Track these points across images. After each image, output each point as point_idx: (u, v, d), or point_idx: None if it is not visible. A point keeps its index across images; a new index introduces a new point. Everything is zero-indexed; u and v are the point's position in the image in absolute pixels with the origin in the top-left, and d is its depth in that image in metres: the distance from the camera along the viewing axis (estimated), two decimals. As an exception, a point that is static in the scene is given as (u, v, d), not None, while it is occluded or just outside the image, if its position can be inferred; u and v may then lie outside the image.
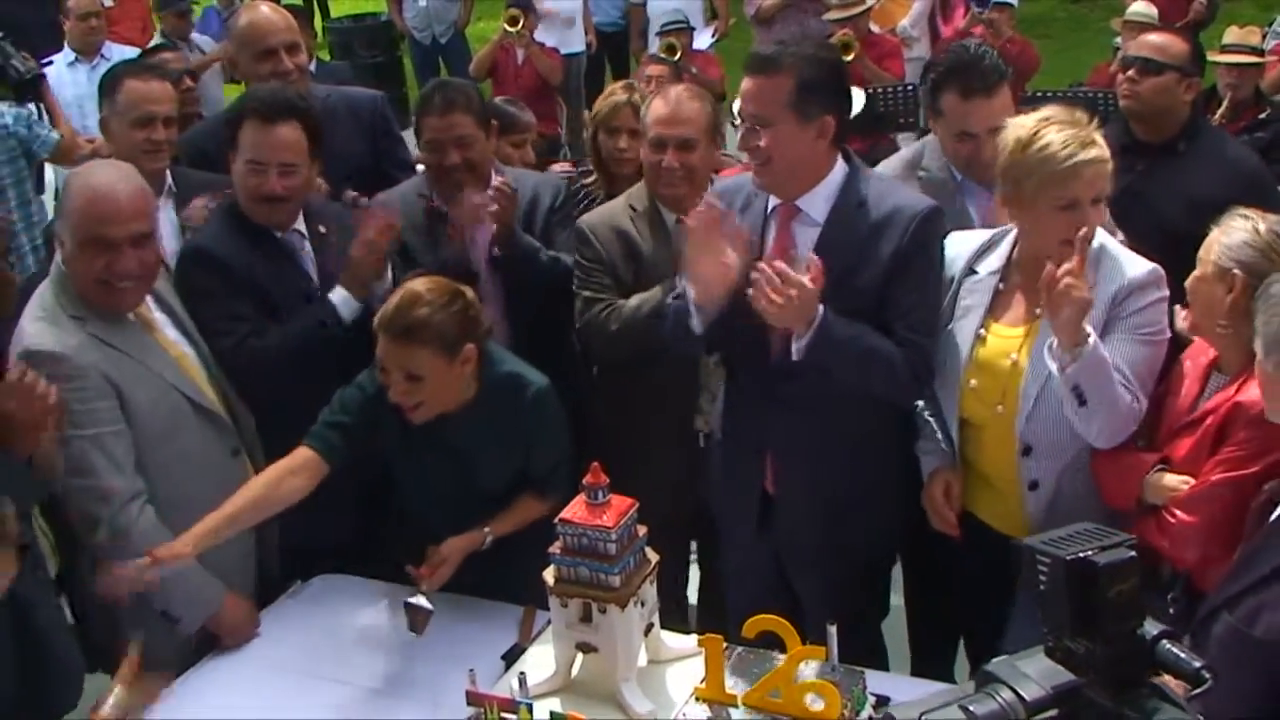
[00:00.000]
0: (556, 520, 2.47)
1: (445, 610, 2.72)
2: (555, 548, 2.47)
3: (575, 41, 8.41)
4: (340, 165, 3.45)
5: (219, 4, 8.36)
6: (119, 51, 6.25)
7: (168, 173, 3.56)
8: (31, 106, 5.09)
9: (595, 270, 3.26)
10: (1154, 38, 3.81)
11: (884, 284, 2.74)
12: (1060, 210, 2.60)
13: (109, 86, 3.59)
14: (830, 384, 2.74)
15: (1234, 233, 2.48)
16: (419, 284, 2.77)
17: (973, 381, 2.78)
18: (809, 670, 2.41)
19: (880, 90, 5.71)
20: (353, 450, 2.82)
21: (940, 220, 2.81)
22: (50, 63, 5.99)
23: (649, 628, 2.56)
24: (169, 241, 3.39)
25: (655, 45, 7.39)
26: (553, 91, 7.55)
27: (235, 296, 3.10)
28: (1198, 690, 1.55)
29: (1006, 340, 2.76)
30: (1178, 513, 2.50)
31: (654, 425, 3.32)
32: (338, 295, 3.12)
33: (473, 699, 2.42)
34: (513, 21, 7.35)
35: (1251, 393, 2.39)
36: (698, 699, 2.50)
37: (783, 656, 2.42)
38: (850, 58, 6.09)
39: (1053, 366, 2.57)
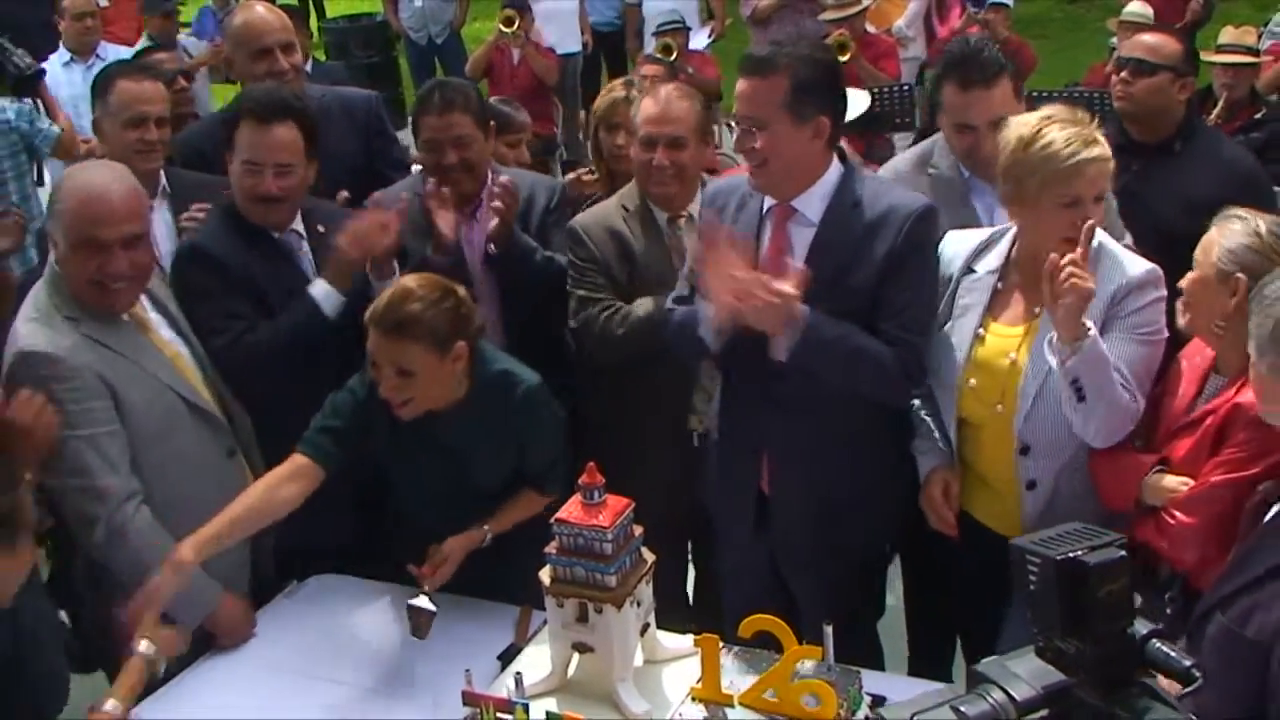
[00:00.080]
0: (552, 520, 2.47)
1: (441, 610, 2.72)
2: (551, 547, 2.47)
3: (571, 41, 8.41)
4: (335, 165, 3.44)
5: (214, 4, 8.35)
6: (114, 52, 6.24)
7: (161, 173, 3.56)
8: (28, 102, 5.11)
9: (589, 270, 3.26)
10: (1147, 38, 3.82)
11: (878, 283, 2.74)
12: (1062, 208, 2.61)
13: (101, 87, 3.59)
14: (825, 384, 2.74)
15: (1233, 235, 2.48)
16: (411, 280, 2.78)
17: (972, 381, 2.78)
18: (805, 670, 2.41)
19: (876, 90, 5.71)
20: (346, 454, 2.82)
21: (935, 220, 2.82)
22: (46, 63, 5.99)
23: (645, 628, 2.56)
24: (163, 242, 3.39)
25: (651, 45, 7.40)
26: (548, 92, 7.55)
27: (232, 296, 3.10)
28: (1188, 689, 1.56)
29: (1005, 339, 2.76)
30: (1177, 514, 2.51)
31: (649, 425, 3.32)
32: (318, 289, 3.11)
33: (469, 699, 2.41)
34: (508, 22, 7.34)
35: (1251, 394, 2.39)
36: (694, 699, 2.50)
37: (779, 656, 2.42)
38: (846, 58, 6.09)
39: (1052, 361, 2.58)
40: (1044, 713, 1.56)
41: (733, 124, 2.89)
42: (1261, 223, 2.49)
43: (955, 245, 2.88)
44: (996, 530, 2.79)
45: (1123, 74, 3.73)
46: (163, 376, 2.84)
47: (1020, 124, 2.66)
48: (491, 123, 3.51)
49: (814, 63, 2.72)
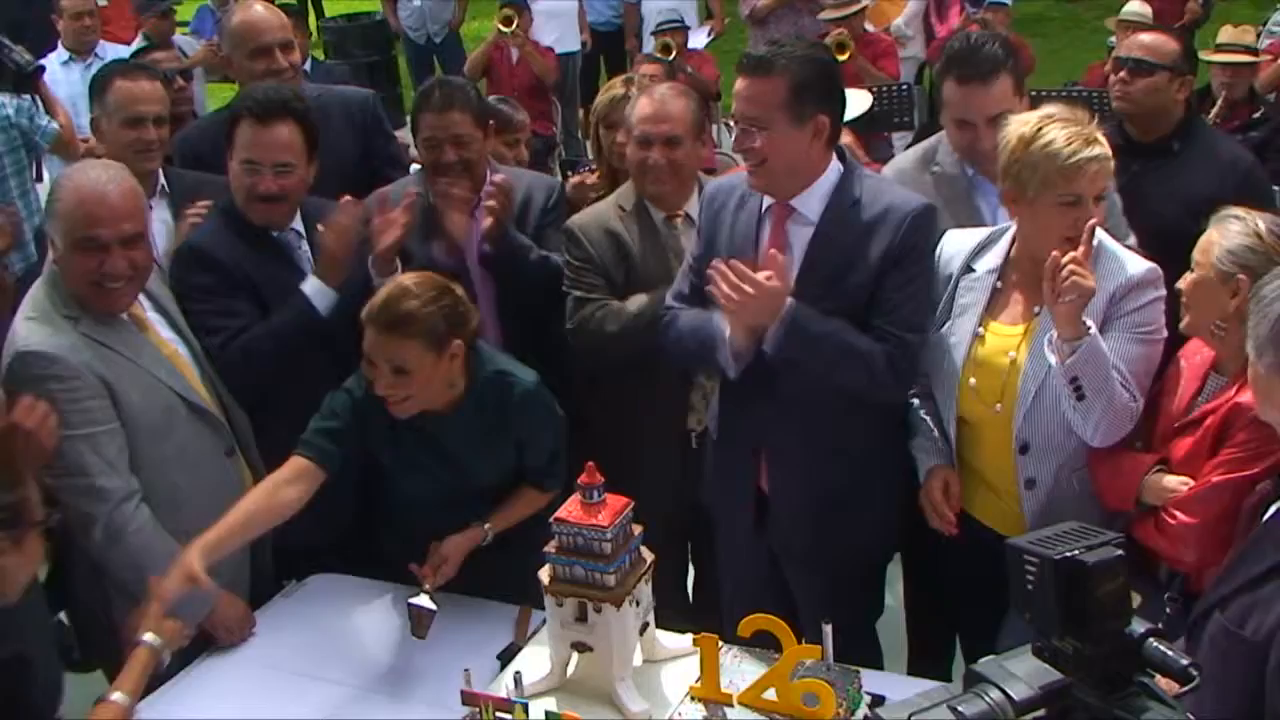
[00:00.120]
0: (552, 520, 2.47)
1: (441, 609, 2.72)
2: (550, 547, 2.47)
3: (570, 41, 8.41)
4: (333, 164, 3.44)
5: (213, 3, 8.33)
6: (113, 51, 6.24)
7: (160, 173, 3.56)
8: (27, 98, 5.13)
9: (585, 270, 3.26)
10: (1145, 38, 3.81)
11: (875, 282, 2.74)
12: (1063, 207, 2.61)
13: (100, 86, 3.59)
14: (819, 382, 2.74)
15: (1232, 235, 2.48)
16: (407, 278, 2.78)
17: (971, 380, 2.78)
18: (804, 669, 2.41)
19: (875, 89, 5.72)
20: (346, 454, 2.82)
21: (933, 219, 2.82)
22: (44, 61, 5.99)
23: (644, 627, 2.56)
24: (161, 241, 3.39)
25: (650, 44, 7.40)
26: (547, 91, 7.55)
27: (230, 295, 3.10)
28: (1186, 688, 1.55)
29: (1005, 338, 2.76)
30: (1177, 514, 2.51)
31: (647, 425, 3.32)
32: (310, 285, 3.11)
33: (468, 698, 2.41)
34: (506, 22, 7.34)
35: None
36: (693, 698, 2.50)
37: (778, 655, 2.42)
38: (845, 57, 6.09)
39: (1052, 359, 2.58)
40: (1041, 712, 1.55)
41: (731, 124, 2.89)
42: (1260, 222, 2.49)
43: (954, 244, 2.88)
44: (996, 529, 2.79)
45: (1121, 74, 3.73)
46: (161, 375, 2.84)
47: (1021, 122, 2.66)
48: (490, 122, 3.52)
49: (812, 63, 2.73)
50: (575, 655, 2.52)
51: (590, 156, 4.10)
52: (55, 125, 5.07)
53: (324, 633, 2.87)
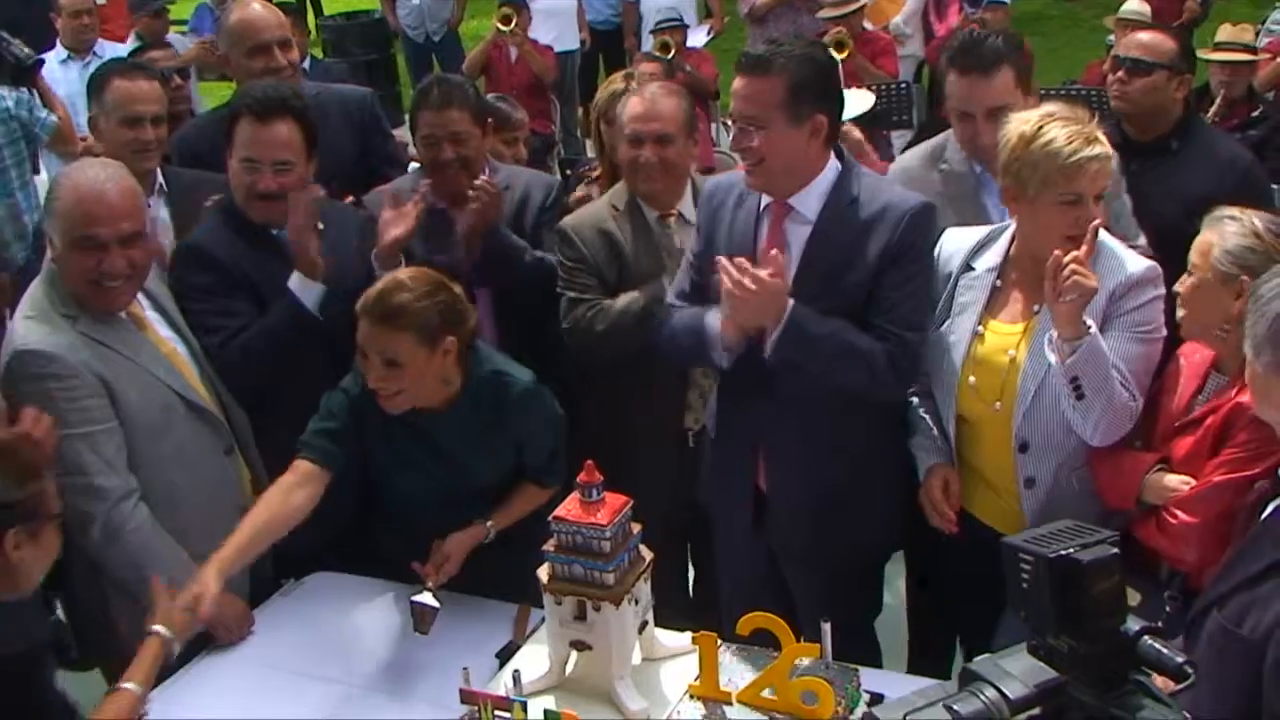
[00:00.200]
0: (551, 518, 2.47)
1: (440, 607, 2.72)
2: (549, 545, 2.47)
3: (569, 39, 8.41)
4: (331, 162, 3.44)
5: (212, 1, 8.33)
6: (111, 49, 6.23)
7: (158, 171, 3.56)
8: (25, 91, 5.14)
9: (578, 271, 3.26)
10: (1143, 37, 3.81)
11: (873, 281, 2.74)
12: (1064, 206, 2.61)
13: (98, 85, 3.59)
14: (818, 380, 2.74)
15: (1230, 236, 2.47)
16: (403, 272, 2.80)
17: (971, 378, 2.78)
18: (803, 667, 2.41)
19: (874, 88, 5.71)
20: (348, 453, 2.83)
21: (932, 217, 2.82)
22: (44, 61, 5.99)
23: (643, 625, 2.56)
24: (160, 240, 3.38)
25: (649, 43, 7.39)
26: (546, 89, 7.55)
27: (229, 295, 3.10)
28: (1181, 685, 1.55)
29: (1004, 337, 2.76)
30: (1178, 513, 2.50)
31: (644, 424, 3.32)
32: (294, 281, 3.10)
33: (466, 697, 2.41)
34: (505, 20, 7.34)
35: None
36: (692, 697, 2.50)
37: (777, 654, 2.42)
38: (844, 55, 6.09)
39: (1052, 358, 2.58)
40: (1037, 711, 1.55)
41: (729, 122, 2.89)
42: (1257, 220, 2.48)
43: (954, 242, 2.88)
44: (996, 528, 2.79)
45: (1119, 73, 3.73)
46: (160, 374, 2.84)
47: (1021, 121, 2.66)
48: (489, 120, 3.52)
49: (811, 62, 2.73)
50: (574, 654, 2.52)
51: (591, 155, 4.09)
52: (54, 118, 5.10)
53: (322, 631, 2.87)
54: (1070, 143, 2.57)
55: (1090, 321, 2.55)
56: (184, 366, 2.94)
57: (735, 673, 2.52)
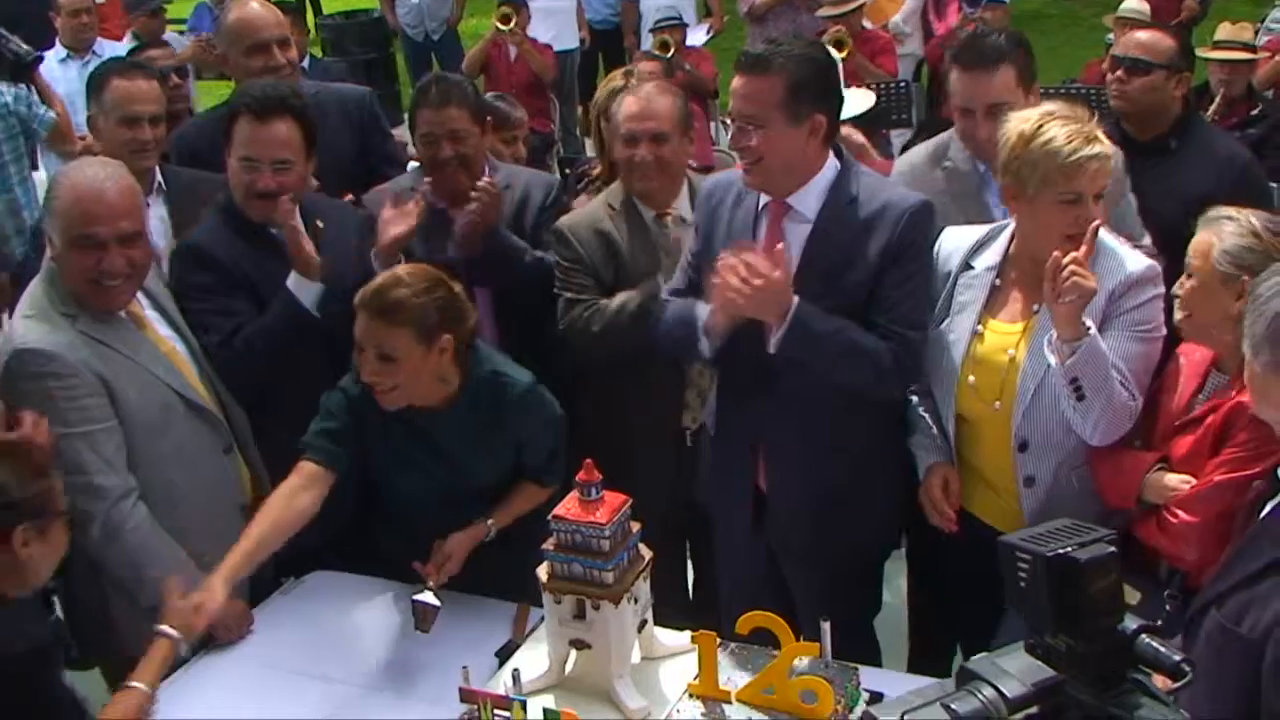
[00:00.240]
0: (550, 517, 2.47)
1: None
2: (549, 544, 2.47)
3: (569, 38, 8.40)
4: (329, 161, 3.44)
5: (210, 1, 8.32)
6: (110, 48, 6.23)
7: (157, 170, 3.56)
8: (24, 87, 5.15)
9: (575, 271, 3.26)
10: (1141, 36, 3.82)
11: (873, 279, 2.74)
12: (1063, 205, 2.61)
13: (96, 84, 3.59)
14: (821, 379, 2.74)
15: (1229, 237, 2.47)
16: (403, 268, 2.81)
17: (970, 378, 2.78)
18: (802, 666, 2.41)
19: (873, 86, 5.71)
20: (350, 452, 2.83)
21: (931, 216, 2.82)
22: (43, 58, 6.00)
23: (643, 624, 2.56)
24: (158, 239, 3.38)
25: (649, 42, 7.39)
26: (546, 88, 7.54)
27: (228, 294, 3.10)
28: (1179, 684, 1.55)
29: (1004, 336, 2.76)
30: (1179, 512, 2.50)
31: (641, 423, 3.32)
32: (291, 280, 3.10)
33: (466, 696, 2.41)
34: (504, 19, 7.33)
35: None
36: (691, 695, 2.50)
37: (776, 653, 2.42)
38: (843, 54, 6.09)
39: (1052, 359, 2.58)
40: (1034, 710, 1.55)
41: (728, 121, 2.89)
42: (1254, 220, 2.48)
43: (952, 241, 2.88)
44: (996, 527, 2.79)
45: (1118, 73, 3.73)
46: (159, 373, 2.84)
47: (1021, 119, 2.66)
48: (488, 118, 3.52)
49: (810, 62, 2.72)
50: (573, 653, 2.52)
51: (591, 154, 4.09)
52: (52, 114, 5.12)
53: (322, 630, 2.87)
54: (1070, 142, 2.57)
55: (1089, 322, 2.55)
56: (183, 365, 2.94)
57: (734, 672, 2.52)
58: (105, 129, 3.54)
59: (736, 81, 2.74)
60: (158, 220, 3.45)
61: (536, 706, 2.37)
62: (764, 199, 2.85)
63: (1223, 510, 2.39)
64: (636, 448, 3.26)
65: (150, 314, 2.95)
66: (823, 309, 2.71)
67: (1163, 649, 1.56)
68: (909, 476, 2.94)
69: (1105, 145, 2.62)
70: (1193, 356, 2.67)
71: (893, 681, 2.50)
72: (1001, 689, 1.54)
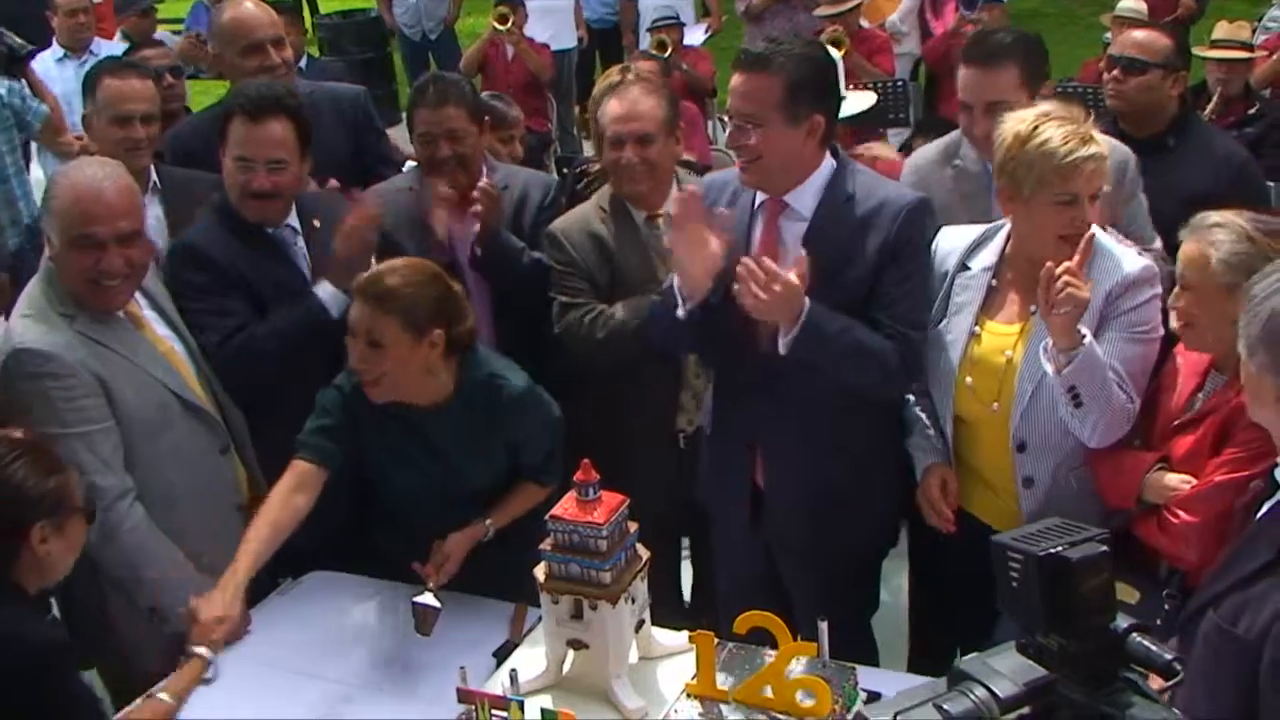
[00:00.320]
0: (547, 517, 2.47)
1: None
2: (546, 544, 2.47)
3: (566, 37, 8.40)
4: (323, 161, 3.44)
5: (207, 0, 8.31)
6: (108, 48, 6.23)
7: (151, 169, 3.55)
8: (18, 81, 5.17)
9: (568, 274, 3.25)
10: (1138, 35, 3.82)
11: (872, 277, 2.74)
12: (1059, 206, 2.60)
13: (90, 84, 3.60)
14: (819, 378, 2.74)
15: (1224, 245, 2.44)
16: (401, 260, 2.83)
17: (968, 379, 2.78)
18: (800, 666, 2.41)
19: (871, 86, 5.71)
20: (345, 449, 2.83)
21: (929, 213, 2.82)
22: (38, 58, 5.99)
23: (640, 624, 2.56)
24: (154, 238, 3.38)
25: (647, 41, 7.38)
26: (543, 87, 7.54)
27: (225, 293, 3.10)
28: (1171, 682, 1.55)
29: (1001, 337, 2.76)
30: (1180, 513, 2.50)
31: (638, 425, 3.31)
32: (324, 290, 3.11)
33: (463, 696, 2.41)
34: (502, 19, 7.33)
35: None
36: (689, 695, 2.50)
37: (774, 652, 2.42)
38: (841, 53, 6.08)
39: (1048, 367, 2.57)
40: (1027, 709, 1.55)
41: (726, 119, 2.89)
42: (1243, 224, 2.46)
43: (949, 241, 2.88)
44: (994, 527, 2.79)
45: (1115, 72, 3.73)
46: (156, 373, 2.84)
47: (1017, 120, 2.66)
48: (485, 117, 3.51)
49: (809, 61, 2.72)
50: (571, 653, 2.52)
51: (589, 152, 4.08)
52: (45, 108, 5.14)
53: (320, 630, 2.87)
54: (1066, 143, 2.57)
55: (1085, 330, 2.53)
56: (181, 365, 2.94)
57: (732, 671, 2.52)
58: (98, 128, 3.54)
59: (736, 79, 2.74)
60: (153, 219, 3.44)
61: (534, 707, 2.37)
62: (760, 197, 2.85)
63: (1223, 510, 2.39)
64: (634, 449, 3.26)
65: (148, 314, 2.95)
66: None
67: (1154, 648, 1.56)
68: (907, 477, 2.93)
69: (1101, 146, 2.62)
70: (1191, 356, 2.66)
71: (891, 681, 2.50)
72: (993, 689, 1.54)
